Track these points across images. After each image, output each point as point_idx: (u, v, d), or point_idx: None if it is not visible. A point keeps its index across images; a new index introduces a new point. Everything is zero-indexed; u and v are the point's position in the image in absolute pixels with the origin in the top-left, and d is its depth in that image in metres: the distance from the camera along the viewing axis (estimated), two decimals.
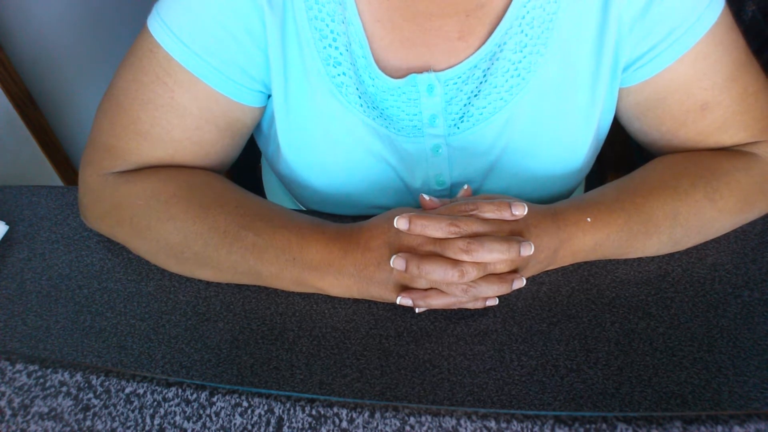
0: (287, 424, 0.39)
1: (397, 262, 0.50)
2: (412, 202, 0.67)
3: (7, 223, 0.64)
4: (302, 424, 0.39)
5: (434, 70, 0.58)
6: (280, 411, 0.40)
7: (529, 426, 0.38)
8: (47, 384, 0.42)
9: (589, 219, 0.54)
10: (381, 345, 0.52)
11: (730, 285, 0.55)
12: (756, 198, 0.58)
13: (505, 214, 0.52)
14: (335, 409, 0.40)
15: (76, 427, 0.40)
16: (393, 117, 0.61)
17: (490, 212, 0.52)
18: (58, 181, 1.50)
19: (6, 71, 1.29)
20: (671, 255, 0.58)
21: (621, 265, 0.58)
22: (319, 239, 0.53)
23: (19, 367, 0.43)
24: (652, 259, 0.58)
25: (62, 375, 0.42)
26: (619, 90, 0.61)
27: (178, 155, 0.59)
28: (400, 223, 0.51)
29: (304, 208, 0.74)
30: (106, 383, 0.42)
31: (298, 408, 0.40)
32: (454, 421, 0.38)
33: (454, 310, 0.55)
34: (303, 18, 0.56)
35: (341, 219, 0.62)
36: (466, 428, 0.38)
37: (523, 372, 0.50)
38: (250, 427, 0.40)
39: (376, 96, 0.59)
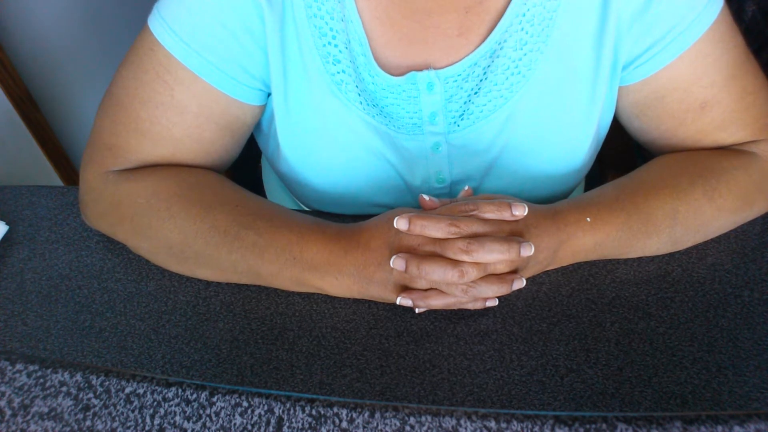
0: (287, 424, 0.39)
1: (396, 263, 0.50)
2: (412, 201, 0.67)
3: (7, 223, 0.64)
4: (302, 424, 0.39)
5: (434, 68, 0.58)
6: (280, 411, 0.40)
7: (529, 426, 0.38)
8: (47, 384, 0.42)
9: (588, 219, 0.54)
10: (381, 345, 0.52)
11: (730, 285, 0.55)
12: (755, 197, 0.58)
13: (506, 215, 0.52)
14: (335, 409, 0.40)
15: (76, 427, 0.40)
16: (393, 115, 0.61)
17: (491, 212, 0.52)
18: (58, 181, 1.50)
19: (6, 71, 1.29)
20: (671, 255, 0.58)
21: (621, 265, 0.58)
22: (319, 239, 0.53)
23: (19, 367, 0.43)
24: (652, 259, 0.58)
25: (62, 375, 0.42)
26: (619, 88, 0.61)
27: (179, 153, 0.59)
28: (400, 223, 0.51)
29: (304, 208, 0.74)
30: (106, 383, 0.42)
31: (298, 408, 0.40)
32: (454, 421, 0.38)
33: (454, 310, 0.55)
34: (302, 16, 0.56)
35: (341, 218, 0.62)
36: (466, 428, 0.38)
37: (523, 372, 0.50)
38: (250, 427, 0.40)
39: (376, 94, 0.59)
